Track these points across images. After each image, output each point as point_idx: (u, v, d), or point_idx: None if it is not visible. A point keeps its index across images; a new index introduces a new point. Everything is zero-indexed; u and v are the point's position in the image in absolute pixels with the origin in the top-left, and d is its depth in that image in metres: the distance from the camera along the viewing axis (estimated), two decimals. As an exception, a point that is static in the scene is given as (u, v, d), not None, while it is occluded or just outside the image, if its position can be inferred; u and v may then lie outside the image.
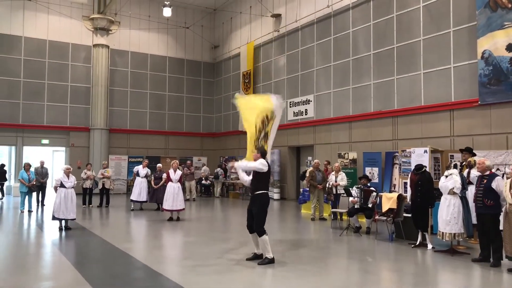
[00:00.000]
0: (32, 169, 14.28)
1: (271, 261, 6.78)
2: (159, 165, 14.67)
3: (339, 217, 11.62)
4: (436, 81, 12.46)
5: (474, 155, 9.00)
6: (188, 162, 18.96)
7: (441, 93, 12.27)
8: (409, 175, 8.87)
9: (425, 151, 10.23)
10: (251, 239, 7.13)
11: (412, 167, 9.18)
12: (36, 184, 14.23)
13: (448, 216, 7.53)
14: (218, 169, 20.47)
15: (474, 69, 11.36)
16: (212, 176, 20.75)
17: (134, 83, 22.63)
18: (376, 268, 7.08)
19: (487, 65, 10.92)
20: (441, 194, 7.88)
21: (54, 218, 10.01)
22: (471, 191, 7.98)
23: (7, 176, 18.52)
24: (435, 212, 8.53)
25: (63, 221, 10.11)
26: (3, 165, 18.51)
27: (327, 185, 12.10)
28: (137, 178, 14.47)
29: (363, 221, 10.39)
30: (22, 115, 20.01)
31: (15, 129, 19.92)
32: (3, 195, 17.85)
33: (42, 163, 15.16)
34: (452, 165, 8.22)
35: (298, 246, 8.52)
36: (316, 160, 13.14)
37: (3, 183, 18.10)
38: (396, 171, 12.71)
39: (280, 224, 11.90)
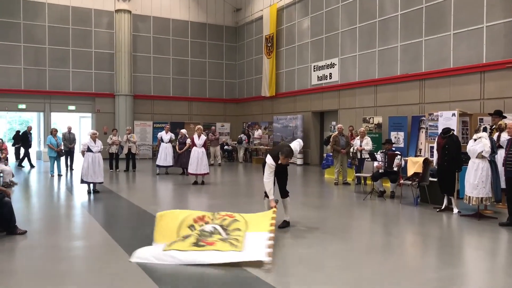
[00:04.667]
0: (59, 134, 14.62)
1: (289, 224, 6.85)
2: (182, 130, 14.75)
3: (362, 181, 11.57)
4: (467, 41, 11.96)
5: (505, 117, 8.72)
6: (213, 128, 19.06)
7: (472, 55, 11.80)
8: (436, 138, 8.69)
9: (453, 115, 9.97)
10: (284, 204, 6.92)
11: (439, 131, 8.98)
12: (64, 149, 14.61)
13: (476, 180, 7.38)
14: (242, 134, 20.54)
15: (509, 28, 10.82)
16: (235, 142, 20.88)
17: (156, 49, 22.59)
18: (400, 231, 7.07)
19: (523, 24, 10.38)
20: (468, 158, 7.71)
21: (82, 181, 10.29)
22: (500, 155, 7.78)
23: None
24: (461, 177, 8.38)
25: (91, 185, 10.38)
26: (18, 132, 19.10)
27: (352, 149, 12.01)
28: (162, 143, 14.69)
29: (387, 185, 10.31)
30: (49, 82, 20.35)
31: (42, 95, 20.33)
32: (18, 158, 18.15)
33: (69, 129, 15.51)
34: (482, 128, 8.01)
35: (321, 210, 8.56)
36: (339, 125, 12.99)
37: (19, 147, 18.34)
38: (422, 135, 12.47)
39: (303, 189, 11.94)
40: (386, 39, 14.54)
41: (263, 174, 6.71)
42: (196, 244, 5.13)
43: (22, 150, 19.28)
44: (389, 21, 14.40)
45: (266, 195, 6.76)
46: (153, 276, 4.51)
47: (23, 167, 16.82)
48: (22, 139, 17.64)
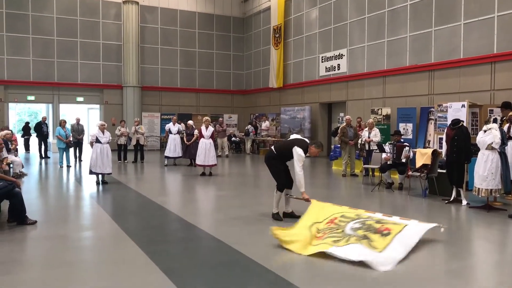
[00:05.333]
0: (68, 125, 14.73)
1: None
2: (189, 122, 14.81)
3: (371, 173, 11.52)
4: (477, 32, 11.81)
5: (515, 109, 8.60)
6: (220, 119, 19.06)
7: (483, 45, 11.65)
8: (445, 130, 8.61)
9: (463, 106, 9.86)
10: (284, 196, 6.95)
11: (449, 122, 8.90)
12: (72, 140, 14.71)
13: (485, 171, 7.31)
14: (249, 126, 20.53)
15: (520, 18, 10.66)
16: (243, 134, 20.88)
17: (164, 40, 22.57)
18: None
19: (535, 13, 10.21)
20: (477, 149, 7.64)
21: (91, 172, 10.35)
22: (510, 146, 7.72)
23: (31, 132, 20.08)
24: (470, 168, 8.31)
25: (100, 176, 10.45)
26: (28, 123, 20.34)
27: (360, 141, 11.96)
28: (170, 135, 14.72)
29: (395, 177, 10.27)
30: (57, 73, 20.44)
31: (51, 87, 20.44)
32: (28, 149, 19.69)
33: (78, 120, 15.59)
34: (492, 119, 7.92)
35: (329, 201, 8.52)
36: (347, 116, 12.93)
37: (29, 138, 19.84)
38: (431, 126, 12.37)
39: (310, 180, 11.90)
40: (395, 29, 14.40)
41: (272, 169, 6.75)
42: (385, 236, 5.04)
43: (31, 141, 19.57)
44: (398, 11, 14.25)
45: (279, 189, 6.73)
46: (161, 267, 4.54)
47: (49, 157, 17.04)
48: (36, 130, 17.81)
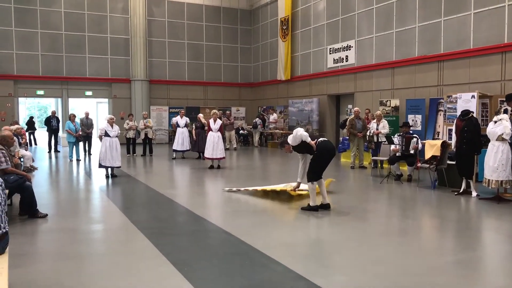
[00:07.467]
0: (77, 119, 14.82)
1: (312, 208, 6.81)
2: (199, 115, 14.82)
3: (379, 165, 11.49)
4: (487, 21, 11.64)
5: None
6: (228, 112, 19.04)
7: (493, 35, 11.48)
8: (455, 121, 8.54)
9: (473, 96, 9.78)
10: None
11: (458, 113, 8.82)
12: (82, 134, 14.81)
13: (496, 163, 7.25)
14: (257, 119, 20.50)
15: (531, 7, 10.48)
16: (251, 126, 20.86)
17: (171, 33, 22.55)
18: (417, 214, 7.01)
19: (547, 2, 10.03)
20: (487, 141, 7.57)
21: (100, 166, 10.42)
22: (521, 137, 7.60)
23: (36, 126, 20.82)
24: (480, 160, 8.25)
25: (109, 169, 10.52)
26: (32, 117, 20.85)
27: (368, 133, 11.91)
28: (178, 128, 14.74)
29: (404, 169, 10.22)
30: (66, 68, 20.53)
31: (60, 81, 20.55)
32: (35, 143, 20.26)
33: (87, 114, 15.69)
34: (502, 110, 7.83)
35: (338, 193, 8.53)
36: (356, 108, 12.87)
37: (33, 132, 20.34)
38: (440, 118, 12.27)
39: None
40: (403, 20, 14.24)
41: None
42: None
43: (36, 136, 19.74)
44: (406, 2, 14.07)
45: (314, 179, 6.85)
46: (171, 259, 4.58)
47: (59, 151, 17.19)
48: (46, 124, 17.95)
